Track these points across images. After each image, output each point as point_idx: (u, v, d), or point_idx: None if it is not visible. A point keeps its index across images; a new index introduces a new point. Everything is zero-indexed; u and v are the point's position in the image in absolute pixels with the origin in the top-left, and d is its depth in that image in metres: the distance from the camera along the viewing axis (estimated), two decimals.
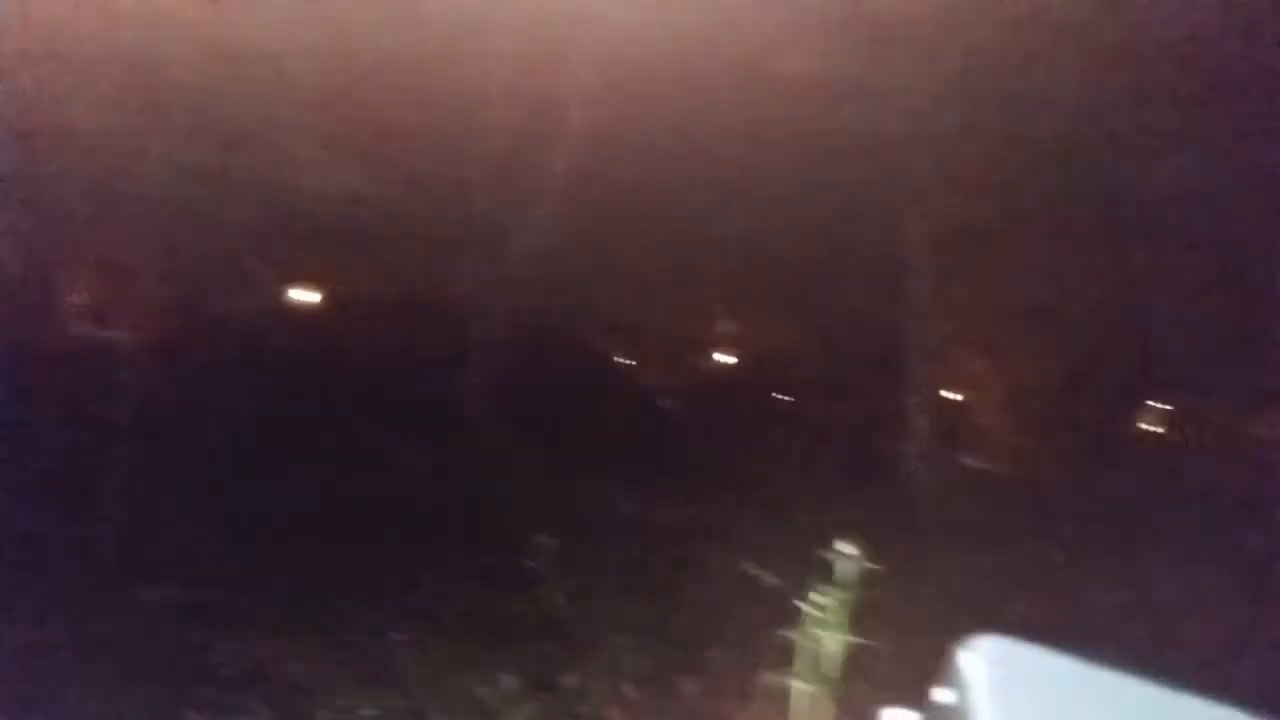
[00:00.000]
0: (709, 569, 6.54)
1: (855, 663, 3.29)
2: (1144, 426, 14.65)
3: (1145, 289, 12.68)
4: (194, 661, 4.12)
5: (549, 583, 5.94)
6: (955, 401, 14.10)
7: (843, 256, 12.56)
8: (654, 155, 10.61)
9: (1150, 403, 14.56)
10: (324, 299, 12.52)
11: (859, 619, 3.31)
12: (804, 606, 3.36)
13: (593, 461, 9.27)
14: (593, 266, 11.79)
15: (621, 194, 11.01)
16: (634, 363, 14.93)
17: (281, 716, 3.79)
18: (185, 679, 3.91)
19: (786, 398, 14.62)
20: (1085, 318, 13.28)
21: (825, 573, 3.30)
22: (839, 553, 3.32)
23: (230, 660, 4.22)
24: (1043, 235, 12.44)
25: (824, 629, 3.31)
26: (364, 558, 5.85)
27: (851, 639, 3.28)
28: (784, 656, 3.35)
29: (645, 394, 13.91)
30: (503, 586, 5.84)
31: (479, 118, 10.44)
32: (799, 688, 3.32)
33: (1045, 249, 12.78)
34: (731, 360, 15.82)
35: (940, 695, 0.30)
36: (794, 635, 3.36)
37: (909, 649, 4.71)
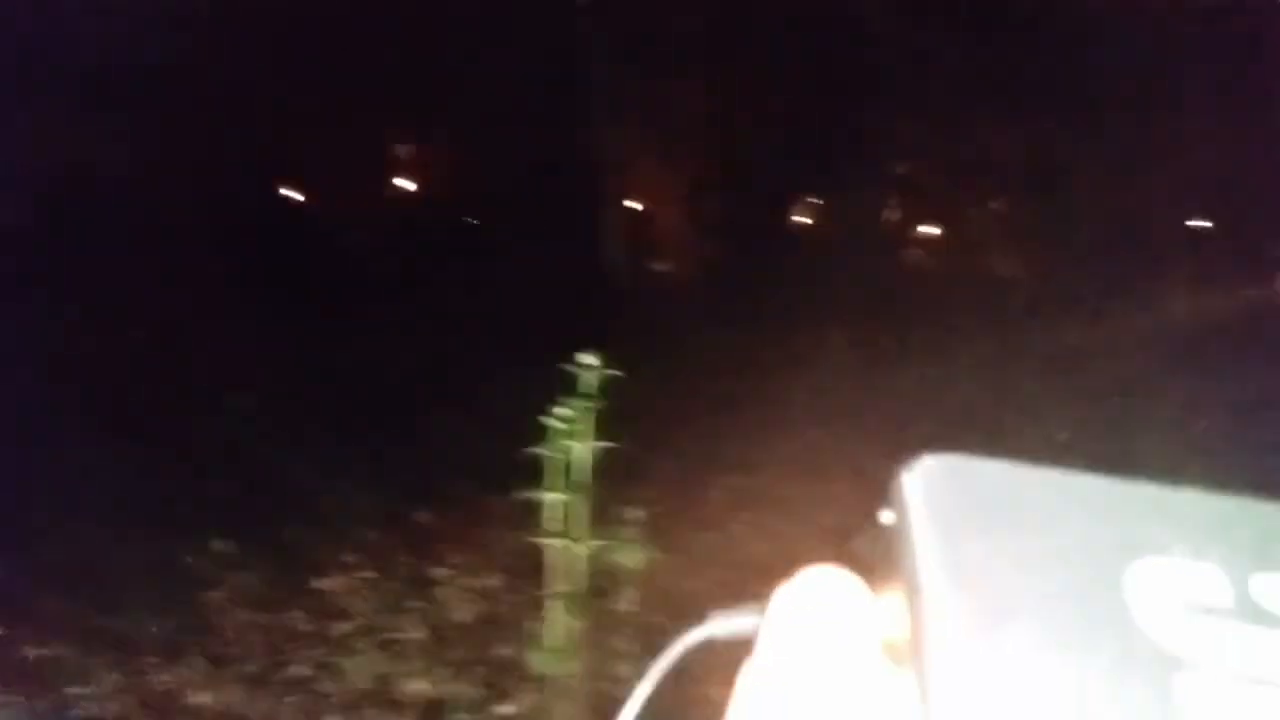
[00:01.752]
0: (435, 403, 6.43)
1: (604, 469, 3.37)
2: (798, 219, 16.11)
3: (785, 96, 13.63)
4: None
5: (252, 441, 5.55)
6: (636, 210, 14.59)
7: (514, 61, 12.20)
8: None
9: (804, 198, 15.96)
10: None
11: (605, 426, 3.37)
12: (548, 420, 3.35)
13: (277, 309, 8.55)
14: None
15: None
16: (303, 195, 13.77)
17: None
18: None
19: (473, 220, 14.31)
20: (741, 122, 14.12)
21: (567, 385, 3.30)
22: (579, 364, 3.32)
23: None
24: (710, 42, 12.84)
25: (571, 439, 3.34)
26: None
27: (598, 445, 3.34)
28: (534, 476, 3.36)
29: (325, 230, 12.96)
30: (204, 454, 5.37)
31: None
32: (551, 499, 3.36)
33: (712, 54, 13.23)
34: (412, 186, 15.09)
35: (884, 518, 0.28)
36: (540, 450, 3.37)
37: (658, 448, 5.04)
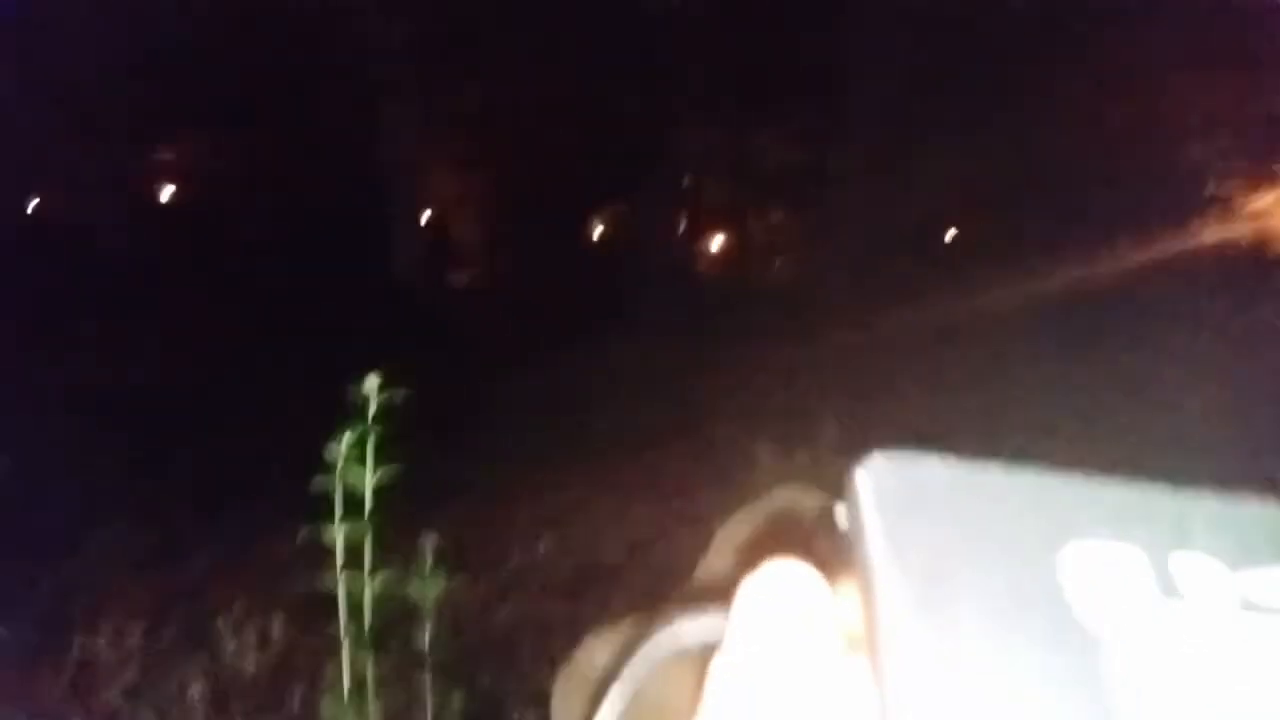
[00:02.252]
0: (208, 430, 5.91)
1: (391, 492, 3.19)
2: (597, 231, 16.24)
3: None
4: None
5: None
6: (432, 219, 14.21)
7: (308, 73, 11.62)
8: None
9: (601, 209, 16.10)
10: None
11: (391, 448, 3.19)
12: (333, 445, 3.14)
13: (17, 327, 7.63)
14: None
15: None
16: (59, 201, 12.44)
17: None
18: None
19: (252, 229, 13.41)
20: (539, 124, 14.08)
21: (355, 408, 3.10)
22: (366, 385, 3.12)
23: None
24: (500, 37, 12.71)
25: (355, 464, 3.14)
26: None
27: (384, 469, 3.16)
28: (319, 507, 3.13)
29: (72, 235, 11.71)
30: None
31: None
32: (335, 530, 3.14)
33: (501, 52, 13.10)
34: (178, 191, 13.96)
35: (839, 515, 0.30)
36: (324, 478, 3.14)
37: (456, 468, 4.83)
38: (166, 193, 13.91)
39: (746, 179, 15.12)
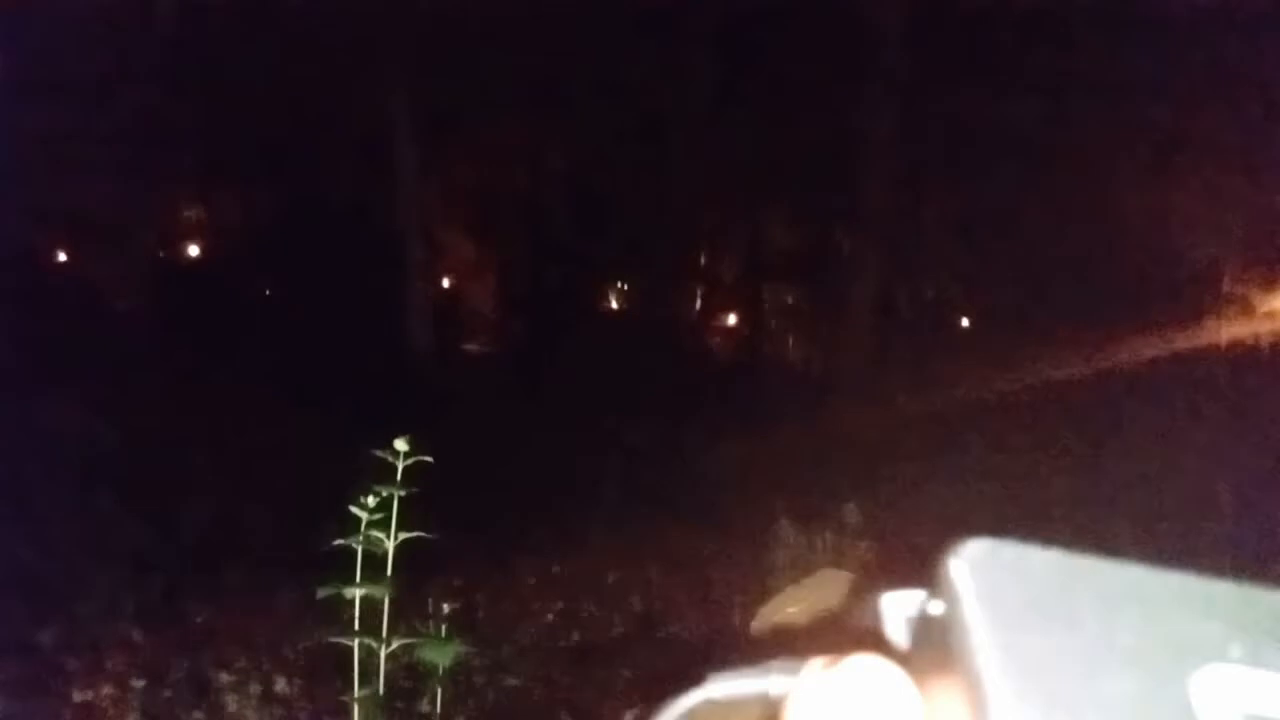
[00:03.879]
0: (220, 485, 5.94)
1: (413, 557, 3.21)
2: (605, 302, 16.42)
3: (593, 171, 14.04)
4: None
5: None
6: (447, 288, 14.41)
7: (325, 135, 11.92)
8: None
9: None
10: None
11: (415, 514, 3.22)
12: (355, 509, 3.17)
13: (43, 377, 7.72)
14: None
15: None
16: (74, 256, 12.65)
17: None
18: None
19: (269, 292, 13.62)
20: (542, 198, 14.35)
21: (380, 473, 3.14)
22: (392, 450, 3.17)
23: None
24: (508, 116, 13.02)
25: (378, 529, 3.17)
26: None
27: (406, 534, 3.18)
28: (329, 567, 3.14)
29: (91, 292, 11.88)
30: None
31: None
32: (355, 591, 3.15)
33: (509, 132, 13.42)
34: (200, 250, 14.20)
35: (931, 608, 0.27)
36: (349, 541, 3.17)
37: (468, 534, 4.83)
38: (184, 251, 14.15)
39: (760, 257, 15.33)
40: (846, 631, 0.30)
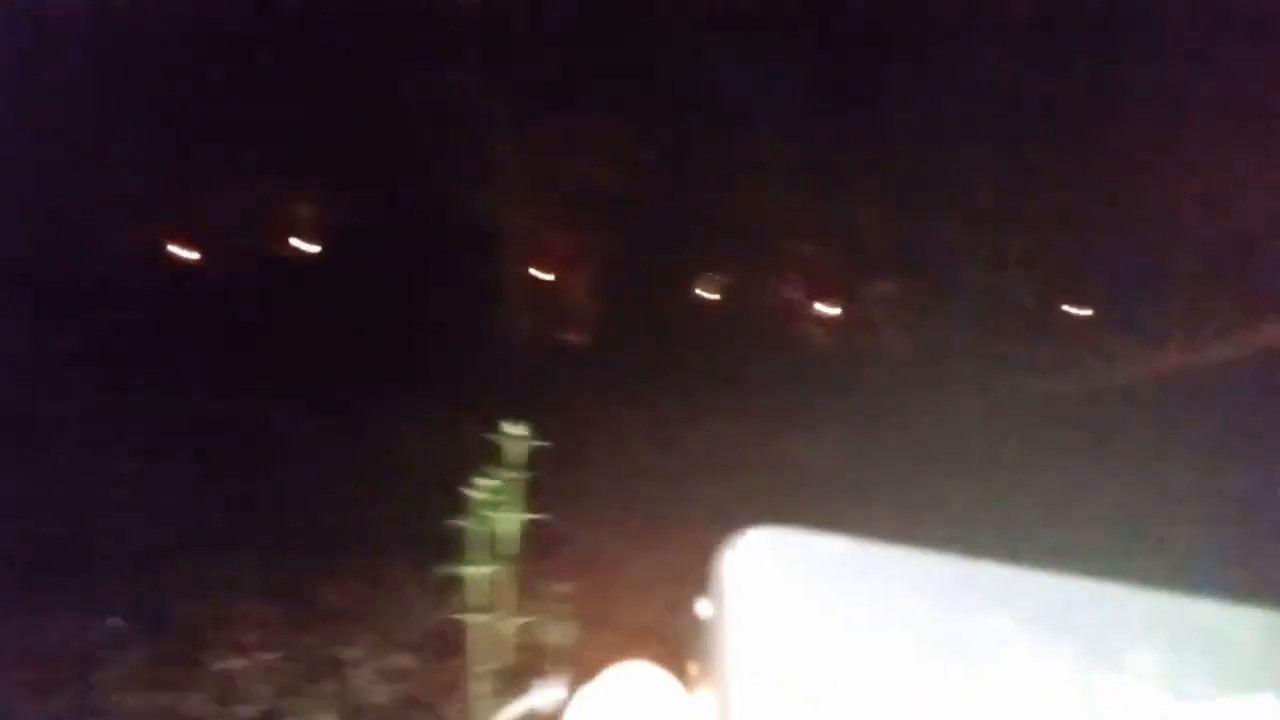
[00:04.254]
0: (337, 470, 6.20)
1: (531, 541, 3.29)
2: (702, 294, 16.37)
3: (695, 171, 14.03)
4: None
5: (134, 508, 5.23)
6: (542, 281, 14.61)
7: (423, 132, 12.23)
8: None
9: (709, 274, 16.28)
10: None
11: (530, 497, 3.30)
12: (471, 491, 3.27)
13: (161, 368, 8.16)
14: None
15: None
16: (194, 255, 13.30)
17: None
18: None
19: (382, 285, 14.06)
20: (646, 199, 14.39)
21: (494, 456, 3.23)
22: (506, 434, 3.26)
23: None
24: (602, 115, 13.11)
25: (495, 510, 3.26)
26: None
27: (525, 517, 3.27)
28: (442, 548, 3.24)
29: (213, 291, 12.50)
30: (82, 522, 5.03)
31: None
32: (475, 572, 3.26)
33: (608, 130, 13.50)
34: (312, 247, 14.76)
35: (701, 608, 0.27)
36: (463, 522, 3.27)
37: (577, 519, 4.95)
38: (295, 246, 14.72)
39: (860, 247, 15.08)
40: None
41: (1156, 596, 0.26)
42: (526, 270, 13.23)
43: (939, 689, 0.22)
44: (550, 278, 14.78)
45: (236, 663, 4.01)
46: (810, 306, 16.02)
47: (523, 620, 3.18)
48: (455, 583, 3.26)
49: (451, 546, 3.23)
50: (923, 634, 0.23)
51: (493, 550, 3.23)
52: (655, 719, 0.25)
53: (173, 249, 13.15)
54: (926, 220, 13.53)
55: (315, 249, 14.66)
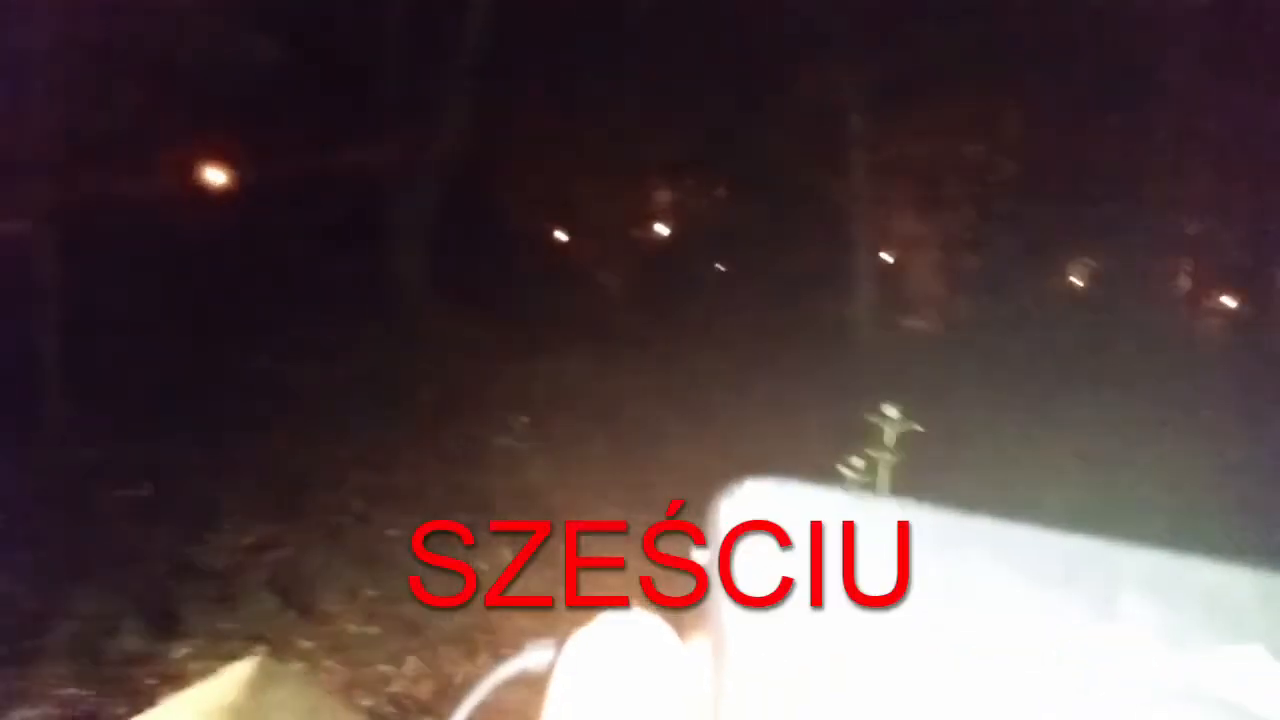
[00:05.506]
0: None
1: None
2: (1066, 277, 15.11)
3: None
4: None
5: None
6: (889, 262, 14.30)
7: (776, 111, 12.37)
8: None
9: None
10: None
11: (897, 480, 3.30)
12: (844, 470, 3.32)
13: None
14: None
15: None
16: (569, 238, 14.60)
17: None
18: None
19: (722, 266, 14.60)
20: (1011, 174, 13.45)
21: (870, 437, 3.26)
22: (883, 415, 3.27)
23: None
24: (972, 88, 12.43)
25: (867, 489, 3.30)
26: None
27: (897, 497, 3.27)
28: None
29: (582, 269, 13.65)
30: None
31: None
32: None
33: (974, 103, 12.79)
34: (668, 231, 15.62)
35: (697, 555, 0.27)
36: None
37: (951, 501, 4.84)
38: (652, 232, 15.65)
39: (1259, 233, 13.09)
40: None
41: (1155, 554, 0.27)
42: (876, 250, 12.98)
43: (939, 639, 0.23)
44: (896, 259, 14.40)
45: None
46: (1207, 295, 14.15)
47: None
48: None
49: None
50: (920, 585, 0.24)
51: None
52: (648, 666, 0.26)
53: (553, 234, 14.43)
54: None
55: (667, 234, 15.43)
